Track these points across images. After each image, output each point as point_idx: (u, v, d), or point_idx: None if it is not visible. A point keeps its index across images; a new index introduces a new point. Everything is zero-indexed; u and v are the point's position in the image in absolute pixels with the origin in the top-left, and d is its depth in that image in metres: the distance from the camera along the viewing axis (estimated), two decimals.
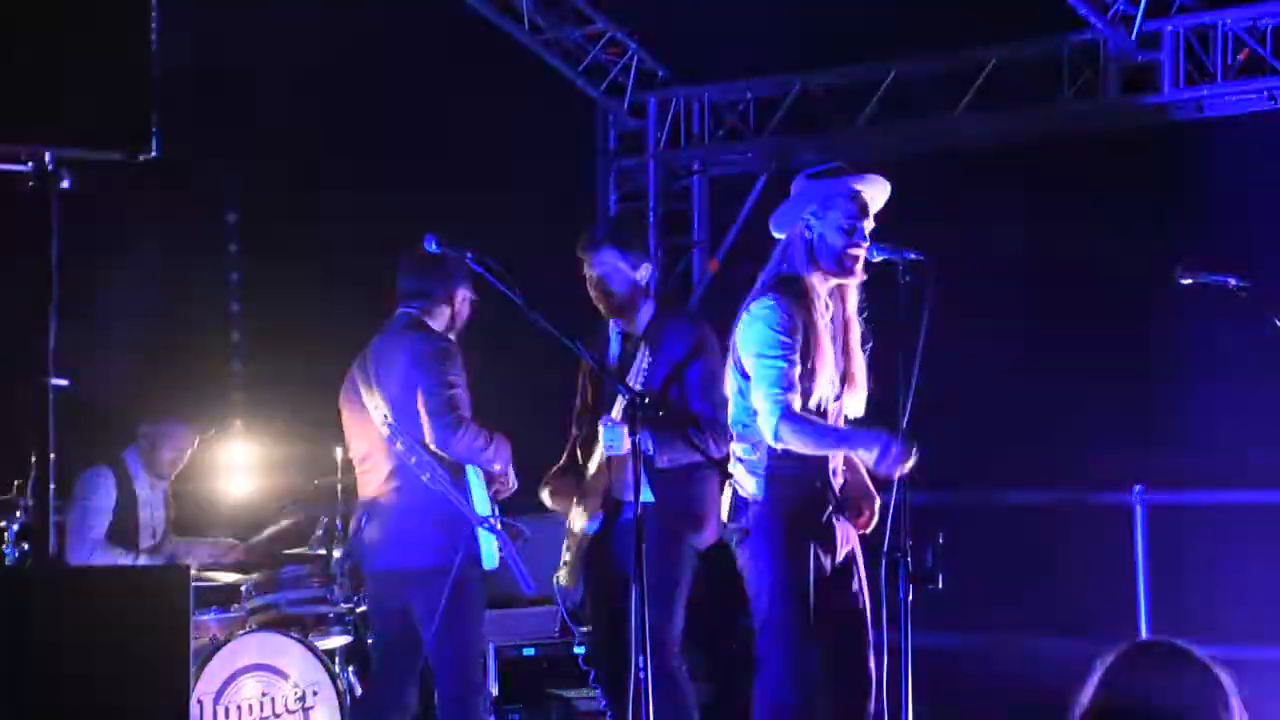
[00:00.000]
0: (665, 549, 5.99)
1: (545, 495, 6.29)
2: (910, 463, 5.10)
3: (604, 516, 6.14)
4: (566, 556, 6.25)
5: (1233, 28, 8.27)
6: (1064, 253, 8.40)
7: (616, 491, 6.12)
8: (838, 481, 5.42)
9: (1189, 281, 5.68)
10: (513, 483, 6.22)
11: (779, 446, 5.29)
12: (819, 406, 5.35)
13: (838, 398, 5.41)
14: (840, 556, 5.39)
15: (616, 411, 5.87)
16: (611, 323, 6.32)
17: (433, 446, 6.04)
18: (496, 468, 6.13)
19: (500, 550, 6.12)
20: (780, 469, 5.35)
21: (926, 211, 5.56)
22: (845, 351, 5.44)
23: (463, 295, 6.26)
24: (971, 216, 8.37)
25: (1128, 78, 8.48)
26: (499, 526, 6.14)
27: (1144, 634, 7.85)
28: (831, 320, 5.42)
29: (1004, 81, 8.76)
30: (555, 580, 6.28)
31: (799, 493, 5.35)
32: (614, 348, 6.30)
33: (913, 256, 5.24)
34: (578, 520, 6.17)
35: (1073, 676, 3.51)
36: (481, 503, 6.11)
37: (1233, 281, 5.66)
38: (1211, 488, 8.02)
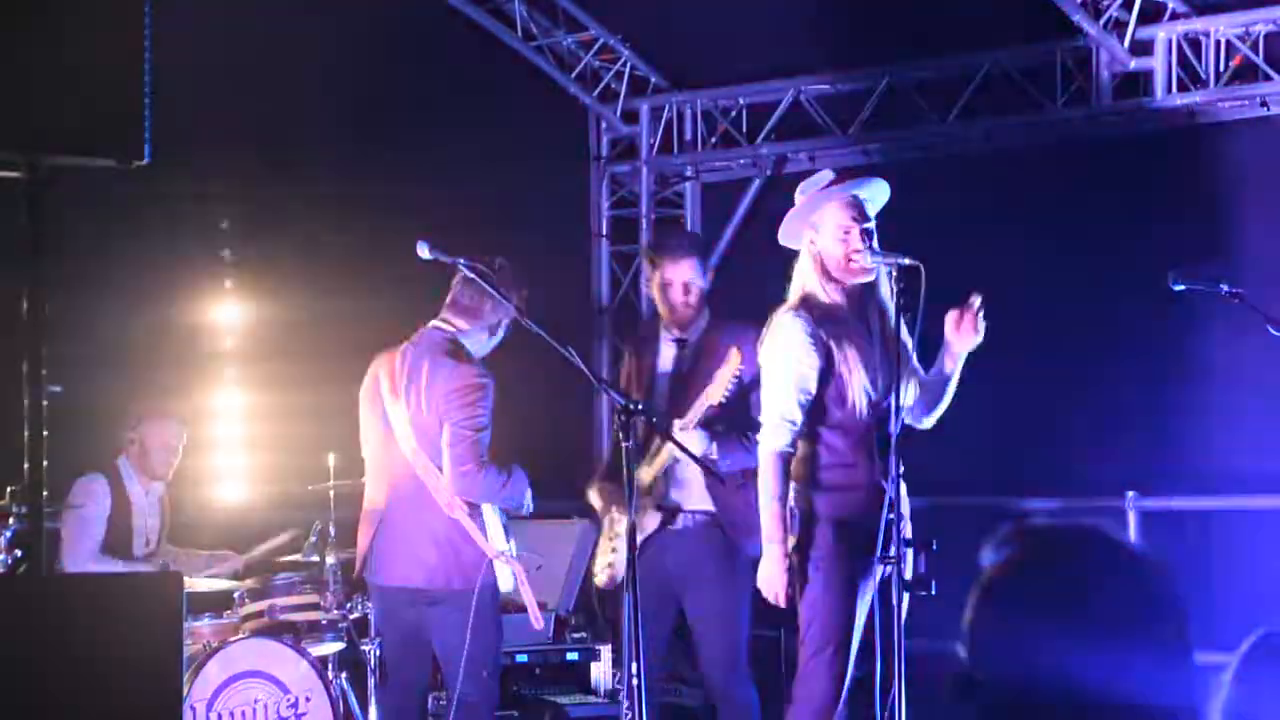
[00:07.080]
0: (728, 564, 6.02)
1: (593, 495, 6.29)
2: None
3: (660, 522, 6.12)
4: (612, 558, 6.24)
5: (1225, 35, 8.27)
6: (1057, 259, 8.39)
7: (674, 499, 6.11)
8: (890, 489, 5.31)
9: (1182, 288, 5.69)
10: (528, 508, 6.10)
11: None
12: (857, 414, 5.33)
13: (882, 404, 5.34)
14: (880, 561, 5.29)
15: (691, 418, 5.86)
16: (663, 329, 6.28)
17: (451, 490, 5.89)
18: (513, 502, 6.00)
19: (515, 580, 6.02)
20: (826, 479, 5.31)
21: (919, 218, 5.56)
22: (878, 358, 5.38)
23: (506, 321, 5.97)
24: (963, 223, 8.36)
25: (1120, 85, 8.47)
26: (515, 560, 6.02)
27: None
28: (855, 328, 5.39)
29: (997, 88, 8.75)
30: (594, 580, 6.32)
31: (844, 506, 5.29)
32: (667, 354, 6.26)
33: (905, 262, 5.25)
34: (622, 522, 6.14)
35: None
36: (498, 537, 5.98)
37: (1225, 288, 5.67)
38: (1205, 494, 8.01)
